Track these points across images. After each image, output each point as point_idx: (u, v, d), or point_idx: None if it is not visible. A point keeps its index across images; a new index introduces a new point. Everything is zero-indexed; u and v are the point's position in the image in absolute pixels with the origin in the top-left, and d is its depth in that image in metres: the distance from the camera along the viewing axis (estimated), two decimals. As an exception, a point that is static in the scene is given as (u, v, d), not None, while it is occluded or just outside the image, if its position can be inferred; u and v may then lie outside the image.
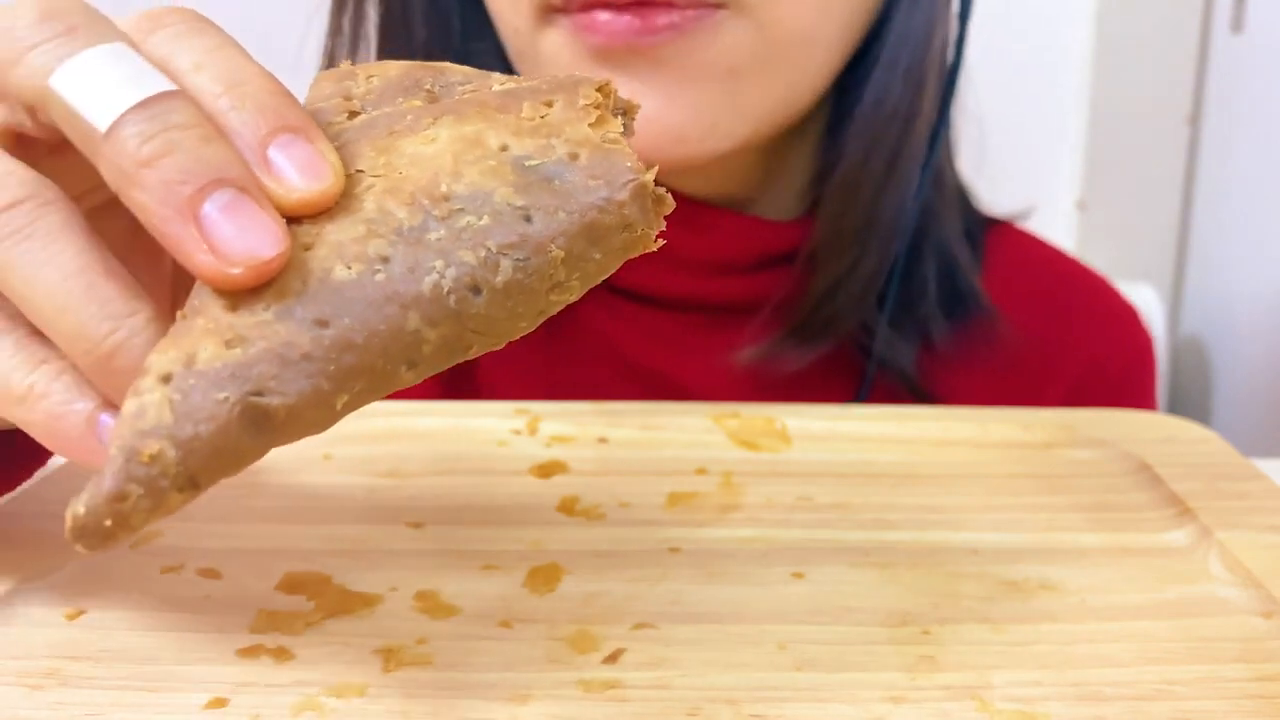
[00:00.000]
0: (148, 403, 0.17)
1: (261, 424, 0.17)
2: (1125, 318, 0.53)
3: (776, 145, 0.44)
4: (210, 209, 0.18)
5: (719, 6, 0.37)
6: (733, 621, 0.25)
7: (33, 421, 0.19)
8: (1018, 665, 0.23)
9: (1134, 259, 1.05)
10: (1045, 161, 1.02)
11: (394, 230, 0.19)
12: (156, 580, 0.27)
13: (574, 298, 0.20)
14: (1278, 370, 0.91)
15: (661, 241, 0.21)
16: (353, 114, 0.22)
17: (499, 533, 0.29)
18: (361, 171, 0.20)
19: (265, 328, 0.18)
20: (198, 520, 0.30)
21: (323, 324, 0.18)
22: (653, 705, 0.22)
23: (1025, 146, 0.99)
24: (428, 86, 0.22)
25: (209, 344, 0.18)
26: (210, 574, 0.27)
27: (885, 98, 0.42)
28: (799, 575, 0.27)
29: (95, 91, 0.19)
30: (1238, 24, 0.98)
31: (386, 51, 0.44)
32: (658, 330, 0.47)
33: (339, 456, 0.34)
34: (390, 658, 0.23)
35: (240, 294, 0.18)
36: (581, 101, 0.21)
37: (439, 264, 0.18)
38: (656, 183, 0.20)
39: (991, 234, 0.51)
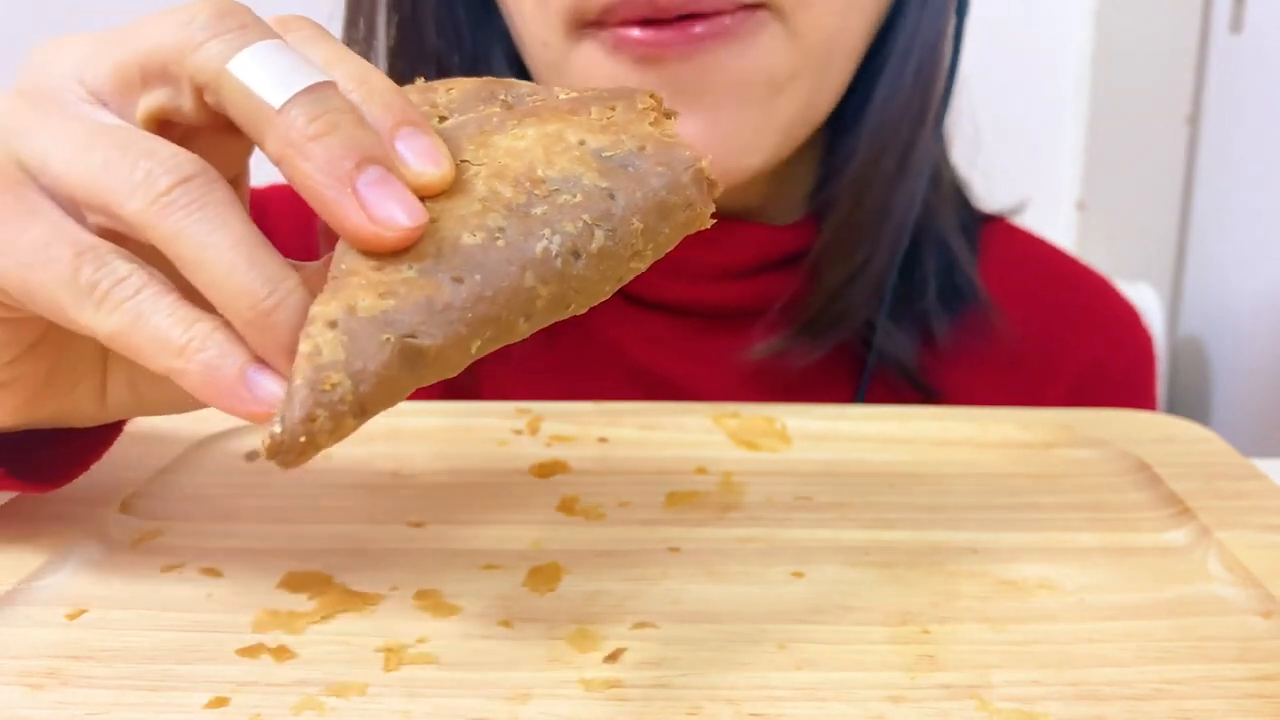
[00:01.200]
0: (322, 343, 0.20)
1: (415, 361, 0.20)
2: (1126, 318, 0.53)
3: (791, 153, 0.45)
4: (364, 181, 0.21)
5: (759, 7, 0.38)
6: (732, 621, 0.25)
7: (189, 371, 0.21)
8: (1017, 664, 0.23)
9: (1133, 259, 1.05)
10: (1045, 161, 1.02)
11: (505, 206, 0.22)
12: (157, 579, 0.27)
13: (645, 266, 0.23)
14: (1277, 370, 0.91)
15: (714, 220, 0.24)
16: (442, 119, 0.25)
17: (499, 532, 0.29)
18: (466, 161, 0.23)
19: (411, 283, 0.21)
20: (199, 520, 0.30)
21: (459, 280, 0.21)
22: (653, 704, 0.22)
23: (1025, 147, 0.99)
24: (502, 97, 0.25)
25: (365, 296, 0.21)
26: (211, 573, 0.27)
27: (897, 97, 0.42)
28: (799, 575, 0.27)
29: (268, 76, 0.22)
30: (1237, 24, 0.98)
31: (399, 61, 0.44)
32: (660, 334, 0.47)
33: (340, 456, 0.35)
34: (391, 657, 0.23)
35: (385, 256, 0.21)
36: (639, 106, 0.24)
37: (547, 232, 0.22)
38: None
39: (987, 230, 0.52)
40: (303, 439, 0.20)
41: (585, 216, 0.22)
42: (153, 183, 0.22)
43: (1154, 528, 0.30)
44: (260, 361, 0.21)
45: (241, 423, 0.36)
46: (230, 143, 0.25)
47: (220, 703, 0.22)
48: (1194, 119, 1.03)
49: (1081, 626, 0.25)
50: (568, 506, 0.31)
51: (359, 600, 0.26)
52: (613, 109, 0.24)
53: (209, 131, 0.24)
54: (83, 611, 0.25)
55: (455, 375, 0.21)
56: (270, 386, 0.21)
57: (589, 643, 0.24)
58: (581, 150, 0.23)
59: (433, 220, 0.22)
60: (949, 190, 0.49)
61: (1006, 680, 0.23)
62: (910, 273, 0.46)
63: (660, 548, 0.29)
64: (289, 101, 0.22)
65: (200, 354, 0.21)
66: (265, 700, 0.22)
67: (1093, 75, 0.99)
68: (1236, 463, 0.34)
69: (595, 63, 0.39)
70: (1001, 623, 0.25)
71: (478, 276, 0.21)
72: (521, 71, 0.44)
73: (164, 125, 0.24)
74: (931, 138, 0.44)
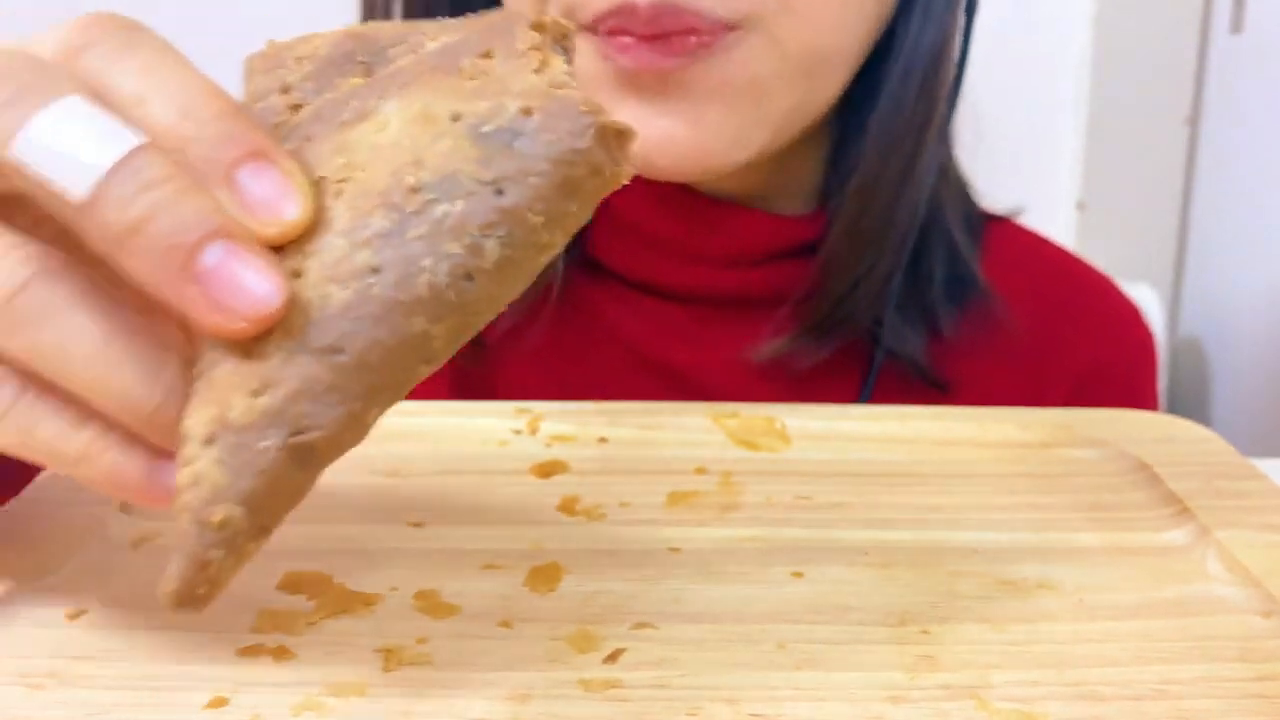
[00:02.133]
0: (200, 470, 0.18)
1: (306, 458, 0.19)
2: (1128, 316, 0.53)
3: (789, 145, 0.45)
4: (206, 266, 0.18)
5: (735, 27, 0.38)
6: (732, 621, 0.25)
7: (96, 478, 0.21)
8: (1017, 664, 0.23)
9: (1133, 259, 1.05)
10: (1045, 162, 1.03)
11: (375, 236, 0.19)
12: (158, 580, 0.27)
13: (560, 248, 0.20)
14: (1276, 370, 0.91)
15: (633, 172, 0.20)
16: (295, 107, 0.21)
17: (499, 532, 0.29)
18: (324, 178, 0.20)
19: (284, 369, 0.19)
20: (198, 520, 0.30)
21: (337, 351, 0.19)
22: (653, 704, 0.22)
23: (1025, 147, 0.99)
24: (360, 59, 0.22)
25: (236, 398, 0.18)
26: (211, 573, 0.27)
27: (901, 105, 0.42)
28: (798, 574, 0.27)
29: (61, 159, 0.18)
30: (1237, 24, 0.98)
31: None
32: (669, 321, 0.47)
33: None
34: (390, 657, 0.23)
35: (251, 341, 0.19)
36: (520, 46, 0.20)
37: (428, 262, 0.19)
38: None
39: (991, 229, 0.52)
40: (201, 590, 0.19)
41: (471, 228, 0.19)
42: None
43: (1153, 527, 0.30)
44: (162, 451, 0.20)
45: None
46: None
47: (220, 703, 0.22)
48: (1194, 120, 1.03)
49: (1081, 626, 0.25)
50: (568, 506, 0.31)
51: (358, 600, 0.26)
52: (488, 55, 0.20)
53: None
54: (83, 612, 0.25)
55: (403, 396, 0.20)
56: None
57: (589, 643, 0.24)
58: (455, 132, 0.20)
59: (296, 275, 0.19)
60: (955, 183, 0.50)
61: (1006, 680, 0.23)
62: (917, 265, 0.47)
63: (660, 547, 0.29)
64: (95, 190, 0.18)
65: (101, 458, 0.20)
66: (265, 700, 0.22)
67: (1093, 76, 0.99)
68: (1236, 462, 0.34)
69: (588, 63, 0.40)
70: (1001, 623, 0.25)
71: (358, 343, 0.18)
72: None
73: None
74: (937, 142, 0.45)
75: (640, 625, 0.25)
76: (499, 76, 0.20)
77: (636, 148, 0.26)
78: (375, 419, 0.19)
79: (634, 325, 0.47)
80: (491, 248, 0.19)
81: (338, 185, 0.20)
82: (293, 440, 0.18)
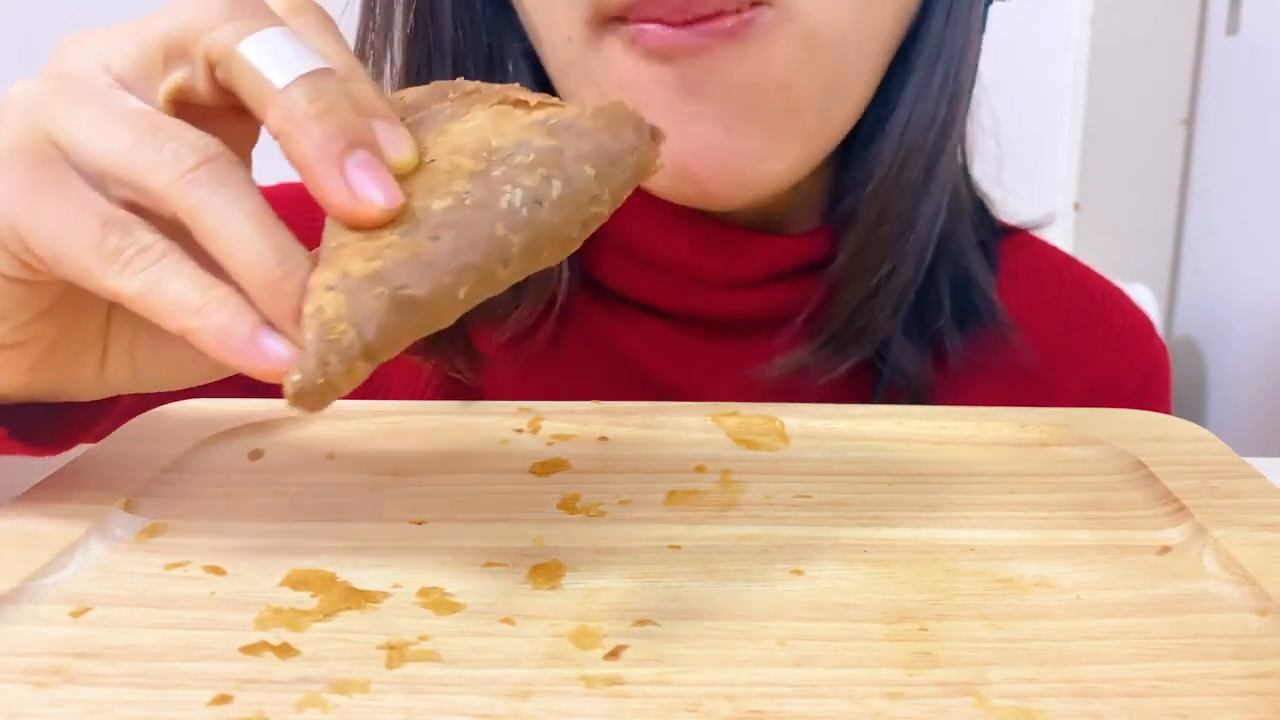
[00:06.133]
0: (324, 302, 0.23)
1: (409, 309, 0.23)
2: (1140, 329, 0.52)
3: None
4: (353, 163, 0.24)
5: (761, 3, 0.37)
6: (732, 618, 0.25)
7: (204, 329, 0.24)
8: (1014, 661, 0.24)
9: (1129, 260, 1.05)
10: (1041, 163, 1.03)
11: (467, 174, 0.25)
12: (161, 577, 0.27)
13: (606, 212, 0.25)
14: (1271, 370, 0.91)
15: (663, 164, 0.26)
16: (402, 119, 0.27)
17: (501, 530, 0.30)
18: (428, 146, 0.26)
19: (395, 246, 0.24)
20: (202, 518, 0.30)
21: (436, 238, 0.24)
22: (653, 701, 0.22)
23: (1021, 148, 1.00)
24: (450, 96, 0.28)
25: (356, 261, 0.23)
26: (215, 571, 0.27)
27: (923, 104, 0.41)
28: (798, 572, 0.27)
29: (275, 58, 0.25)
30: (1233, 26, 0.98)
31: (415, 50, 0.44)
32: (670, 342, 0.46)
33: (342, 455, 0.35)
34: (393, 654, 0.24)
35: (369, 229, 0.24)
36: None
37: (508, 188, 0.24)
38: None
39: (1006, 243, 0.51)
40: (320, 380, 0.22)
41: (540, 170, 0.25)
42: (180, 161, 0.24)
43: (1150, 526, 0.30)
44: (270, 326, 0.24)
45: (245, 422, 0.36)
46: (238, 127, 0.27)
47: (223, 700, 0.22)
48: (1189, 121, 1.04)
49: (1078, 624, 0.25)
50: (569, 504, 0.31)
51: (361, 598, 0.26)
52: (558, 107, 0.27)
53: (219, 115, 0.26)
54: (86, 609, 0.25)
55: (449, 324, 0.24)
56: (278, 348, 0.23)
57: (590, 640, 0.24)
58: (528, 120, 0.26)
59: (407, 194, 0.25)
60: (967, 205, 0.48)
61: (1004, 677, 0.23)
62: (924, 291, 0.46)
63: (661, 545, 0.29)
64: (292, 83, 0.24)
65: (215, 315, 0.24)
66: (268, 697, 0.22)
67: (1088, 77, 1.00)
68: (1232, 461, 0.34)
69: (615, 57, 0.39)
70: (999, 620, 0.25)
71: (452, 233, 0.24)
72: (538, 68, 0.44)
73: (181, 108, 0.26)
74: (958, 150, 0.44)
75: (641, 622, 0.25)
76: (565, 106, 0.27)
77: (674, 158, 0.29)
78: (465, 298, 0.24)
79: (634, 344, 0.47)
80: (555, 185, 0.24)
81: (437, 149, 0.26)
82: (398, 292, 0.23)
